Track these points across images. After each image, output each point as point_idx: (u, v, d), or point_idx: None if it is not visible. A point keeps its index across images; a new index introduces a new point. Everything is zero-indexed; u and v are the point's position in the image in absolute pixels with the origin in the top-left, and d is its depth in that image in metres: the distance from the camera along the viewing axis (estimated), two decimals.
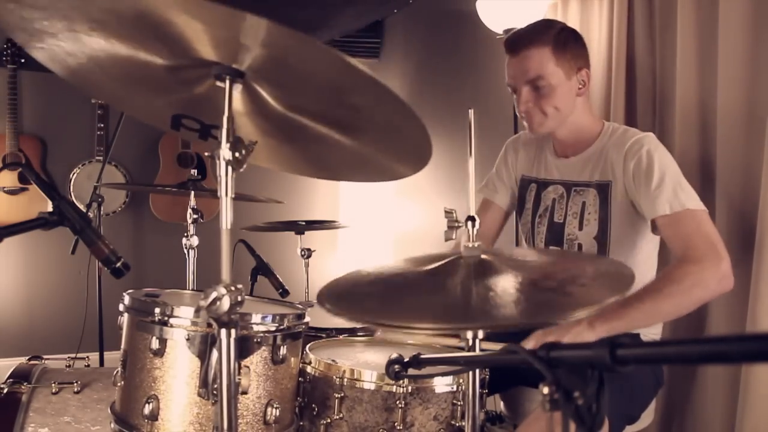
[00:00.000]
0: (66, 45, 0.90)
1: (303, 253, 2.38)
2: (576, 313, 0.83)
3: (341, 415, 1.35)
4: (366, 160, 1.09)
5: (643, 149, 1.63)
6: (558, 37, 1.68)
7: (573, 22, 2.94)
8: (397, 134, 0.96)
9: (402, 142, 0.99)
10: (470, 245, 1.06)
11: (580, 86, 1.72)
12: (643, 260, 1.72)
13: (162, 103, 1.08)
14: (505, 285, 0.96)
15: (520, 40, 1.70)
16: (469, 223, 1.08)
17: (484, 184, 2.01)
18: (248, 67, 0.89)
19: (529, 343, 1.47)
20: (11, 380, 1.73)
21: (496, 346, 1.55)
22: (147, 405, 1.22)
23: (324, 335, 1.85)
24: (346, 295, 1.02)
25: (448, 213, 1.19)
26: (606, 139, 1.73)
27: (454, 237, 1.19)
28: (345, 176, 1.21)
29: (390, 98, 0.82)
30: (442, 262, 1.06)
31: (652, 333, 1.74)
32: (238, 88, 0.94)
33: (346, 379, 1.36)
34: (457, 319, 0.91)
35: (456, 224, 1.16)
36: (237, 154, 0.90)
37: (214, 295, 0.87)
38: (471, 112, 1.14)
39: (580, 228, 1.72)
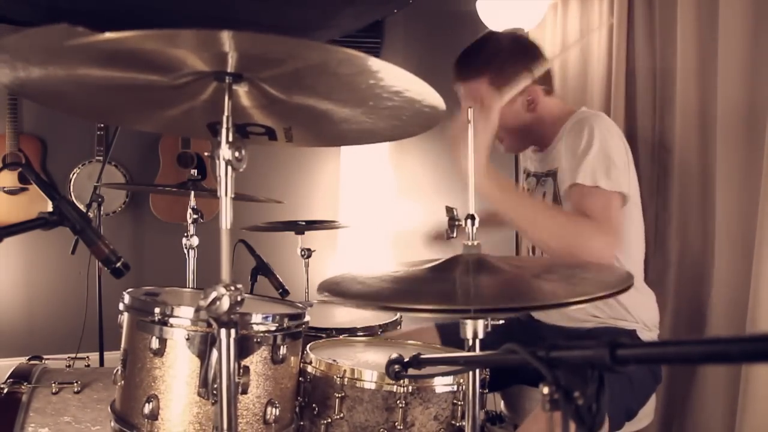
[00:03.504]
0: (61, 79, 0.92)
1: (303, 253, 2.38)
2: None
3: (342, 415, 1.35)
4: (370, 127, 1.11)
5: (583, 124, 1.61)
6: (494, 66, 1.67)
7: (573, 22, 2.94)
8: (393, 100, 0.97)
9: (398, 107, 1.00)
10: (469, 243, 1.06)
11: (529, 102, 1.72)
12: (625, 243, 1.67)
13: (174, 114, 1.09)
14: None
15: (459, 70, 1.74)
16: (469, 222, 1.08)
17: None
18: (237, 68, 0.89)
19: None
20: (11, 380, 1.73)
21: None
22: (147, 404, 1.22)
23: (324, 335, 1.85)
24: (346, 286, 1.03)
25: (449, 210, 1.19)
26: (565, 129, 1.72)
27: (455, 235, 1.19)
28: (352, 142, 1.28)
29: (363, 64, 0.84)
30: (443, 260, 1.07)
31: (648, 333, 1.75)
32: (243, 87, 0.95)
33: (346, 379, 1.36)
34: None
35: (456, 222, 1.17)
36: (237, 154, 0.90)
37: (213, 294, 0.87)
38: (470, 110, 1.15)
39: None
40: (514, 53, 1.71)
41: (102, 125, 3.47)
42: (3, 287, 3.49)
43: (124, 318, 1.33)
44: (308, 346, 1.49)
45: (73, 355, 2.90)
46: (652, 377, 1.70)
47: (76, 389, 1.73)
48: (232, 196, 0.91)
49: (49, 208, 1.23)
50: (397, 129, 1.11)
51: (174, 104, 1.05)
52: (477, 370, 1.06)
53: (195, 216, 1.99)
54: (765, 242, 1.78)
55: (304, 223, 2.42)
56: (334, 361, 1.42)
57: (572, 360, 0.65)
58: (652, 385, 1.71)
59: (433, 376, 1.33)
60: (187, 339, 1.22)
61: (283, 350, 1.29)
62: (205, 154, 3.38)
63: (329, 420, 1.36)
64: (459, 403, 1.36)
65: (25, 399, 1.66)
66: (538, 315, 1.84)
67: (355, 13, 3.34)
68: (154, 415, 1.22)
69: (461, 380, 1.35)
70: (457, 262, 1.08)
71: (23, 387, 1.70)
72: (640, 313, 1.73)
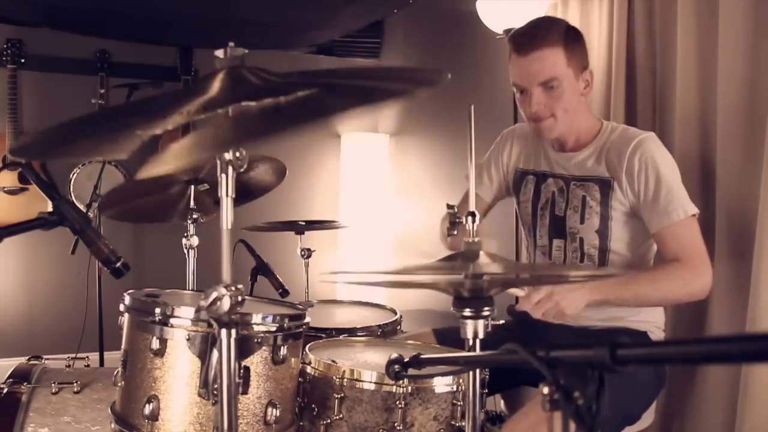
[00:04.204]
0: None
1: (303, 253, 2.38)
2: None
3: (341, 416, 1.35)
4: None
5: (645, 156, 1.63)
6: (568, 37, 1.66)
7: (573, 22, 2.94)
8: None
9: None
10: (470, 240, 1.07)
11: (585, 86, 1.72)
12: (644, 252, 1.75)
13: None
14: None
15: (531, 40, 1.64)
16: (470, 219, 1.08)
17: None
18: None
19: (534, 296, 1.50)
20: (11, 380, 1.73)
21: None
22: (147, 405, 1.22)
23: (324, 335, 1.85)
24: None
25: (450, 208, 1.19)
26: (605, 137, 1.73)
27: (456, 233, 1.20)
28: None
29: None
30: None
31: (658, 334, 1.75)
32: None
33: (345, 380, 1.35)
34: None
35: (457, 220, 1.17)
36: (237, 154, 0.90)
37: (214, 295, 0.86)
38: (471, 108, 1.14)
39: (582, 222, 1.72)
40: (579, 32, 1.73)
41: None
42: (3, 287, 3.49)
43: (125, 319, 1.33)
44: (307, 347, 1.49)
45: (73, 355, 2.89)
46: (657, 380, 1.69)
47: (75, 389, 1.72)
48: (233, 196, 0.91)
49: (49, 208, 1.23)
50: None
51: None
52: (477, 370, 1.06)
53: (195, 216, 1.99)
54: (765, 242, 1.78)
55: (304, 223, 2.42)
56: (334, 361, 1.41)
57: (572, 360, 0.65)
58: (656, 388, 1.71)
59: (433, 376, 1.33)
60: (188, 339, 1.22)
61: (283, 351, 1.29)
62: None
63: (329, 420, 1.36)
64: (459, 403, 1.36)
65: (24, 399, 1.65)
66: None
67: (355, 13, 3.34)
68: (154, 416, 1.22)
69: (461, 380, 1.35)
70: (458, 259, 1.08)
71: (23, 387, 1.69)
72: (650, 312, 1.74)
